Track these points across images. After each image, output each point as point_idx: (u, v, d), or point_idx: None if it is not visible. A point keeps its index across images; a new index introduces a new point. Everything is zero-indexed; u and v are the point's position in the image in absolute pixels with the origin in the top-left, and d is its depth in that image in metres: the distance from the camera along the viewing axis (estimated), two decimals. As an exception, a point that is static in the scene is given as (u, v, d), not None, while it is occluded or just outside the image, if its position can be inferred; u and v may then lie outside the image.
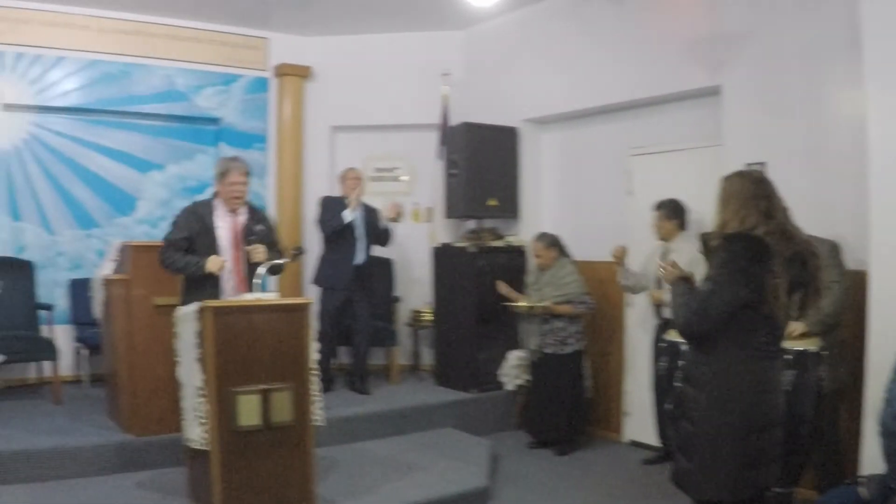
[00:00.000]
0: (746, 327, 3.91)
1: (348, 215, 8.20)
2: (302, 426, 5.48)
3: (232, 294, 6.06)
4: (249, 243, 6.13)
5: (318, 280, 8.50)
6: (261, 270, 5.85)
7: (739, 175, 4.23)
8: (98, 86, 9.17)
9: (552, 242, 7.67)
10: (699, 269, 4.78)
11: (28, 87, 8.85)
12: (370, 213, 8.46)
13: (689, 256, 6.23)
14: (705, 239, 5.58)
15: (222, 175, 6.18)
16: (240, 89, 9.90)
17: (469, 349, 8.56)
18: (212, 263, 5.95)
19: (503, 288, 7.90)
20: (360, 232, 8.34)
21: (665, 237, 6.99)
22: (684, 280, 4.28)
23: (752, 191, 4.05)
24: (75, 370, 8.84)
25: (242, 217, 6.27)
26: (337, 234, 8.25)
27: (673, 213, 6.94)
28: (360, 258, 8.35)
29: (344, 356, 9.19)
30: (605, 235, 8.03)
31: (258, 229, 6.20)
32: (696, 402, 4.04)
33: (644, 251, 7.34)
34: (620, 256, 7.22)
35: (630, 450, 7.77)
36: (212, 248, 6.07)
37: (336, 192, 8.75)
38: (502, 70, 9.27)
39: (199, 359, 5.26)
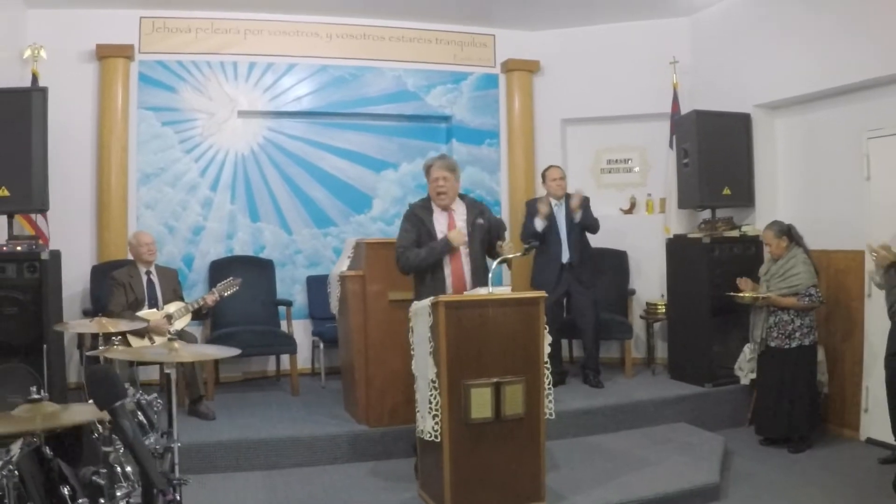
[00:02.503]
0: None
1: (539, 223, 8.14)
2: (533, 419, 5.44)
3: (459, 288, 6.07)
4: (472, 239, 6.13)
5: (533, 281, 8.49)
6: (494, 264, 5.84)
7: None
8: (329, 89, 9.48)
9: (782, 231, 7.34)
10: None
11: (261, 95, 9.27)
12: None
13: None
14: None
15: (426, 173, 6.26)
16: (469, 87, 10.00)
17: (703, 342, 8.35)
18: (454, 236, 6.00)
19: (744, 285, 7.64)
20: (565, 229, 8.28)
21: None
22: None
23: None
24: (311, 363, 9.19)
25: (460, 213, 6.26)
26: (538, 238, 8.16)
27: None
28: (566, 256, 8.28)
29: (579, 349, 9.11)
30: (842, 223, 7.72)
31: (479, 223, 6.20)
32: None
33: (883, 238, 6.91)
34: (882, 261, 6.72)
35: (866, 448, 7.32)
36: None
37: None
38: (731, 55, 8.99)
39: (431, 352, 5.31)
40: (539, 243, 6.48)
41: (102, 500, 3.19)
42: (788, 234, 7.34)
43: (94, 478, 3.19)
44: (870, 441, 7.42)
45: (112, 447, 3.09)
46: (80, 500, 3.25)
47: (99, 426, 3.38)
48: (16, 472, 3.06)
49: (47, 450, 3.31)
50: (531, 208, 8.38)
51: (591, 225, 8.36)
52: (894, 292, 3.92)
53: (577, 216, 8.21)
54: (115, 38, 8.61)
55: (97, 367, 3.19)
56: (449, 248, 5.99)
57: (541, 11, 9.48)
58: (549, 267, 8.26)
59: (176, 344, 4.54)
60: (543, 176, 8.57)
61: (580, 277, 8.32)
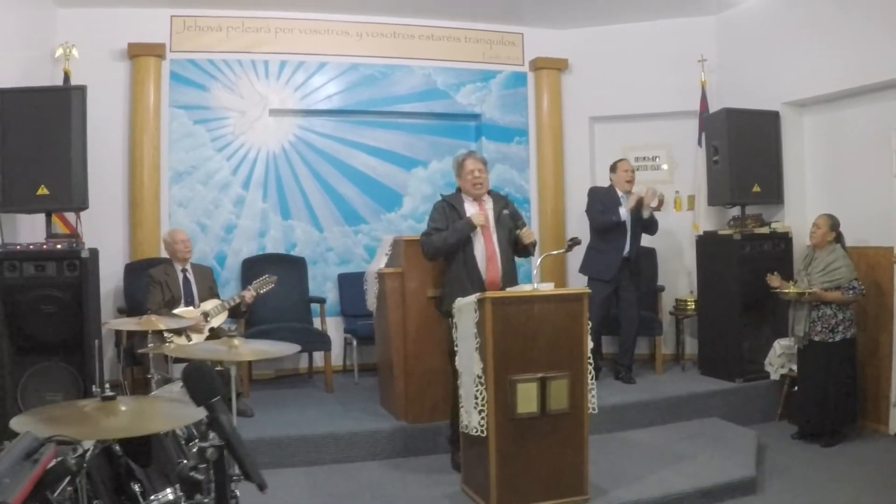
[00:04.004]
0: None
1: (624, 214, 8.24)
2: (577, 414, 5.51)
3: (492, 277, 6.16)
4: (499, 228, 6.25)
5: (587, 270, 8.51)
6: (536, 260, 5.91)
7: None
8: (359, 88, 9.54)
9: (835, 225, 7.39)
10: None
11: (292, 93, 9.33)
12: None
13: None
14: None
15: (460, 167, 6.38)
16: (498, 85, 10.05)
17: (734, 338, 8.39)
18: (475, 217, 6.12)
19: (775, 281, 7.68)
20: (630, 223, 8.33)
21: None
22: None
23: None
24: (343, 360, 9.26)
25: (488, 205, 6.38)
26: (611, 227, 8.26)
27: None
28: (628, 250, 8.34)
29: (608, 345, 9.17)
30: (871, 220, 7.77)
31: (505, 213, 6.32)
32: None
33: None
34: None
35: (895, 442, 7.40)
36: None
37: (602, 182, 8.80)
38: (759, 53, 9.02)
39: (478, 348, 5.37)
40: (580, 241, 6.53)
41: (199, 496, 3.23)
42: (836, 230, 7.40)
43: (192, 473, 3.22)
44: (899, 435, 7.49)
45: (208, 442, 3.12)
46: (167, 490, 3.31)
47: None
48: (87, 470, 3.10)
49: (117, 448, 3.34)
50: (599, 195, 8.50)
51: (654, 224, 8.47)
52: None
53: (647, 213, 8.29)
54: (146, 36, 8.68)
55: (193, 363, 3.22)
56: (470, 227, 6.11)
57: (569, 10, 9.52)
58: (611, 258, 8.30)
59: (236, 341, 4.57)
60: (614, 167, 8.59)
61: (633, 274, 8.42)
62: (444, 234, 6.14)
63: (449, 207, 6.29)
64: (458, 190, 6.45)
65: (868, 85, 7.74)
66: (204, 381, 3.13)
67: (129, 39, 8.63)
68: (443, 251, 6.22)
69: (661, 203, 8.33)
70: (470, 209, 6.30)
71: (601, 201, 8.40)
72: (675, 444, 7.06)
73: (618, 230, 8.29)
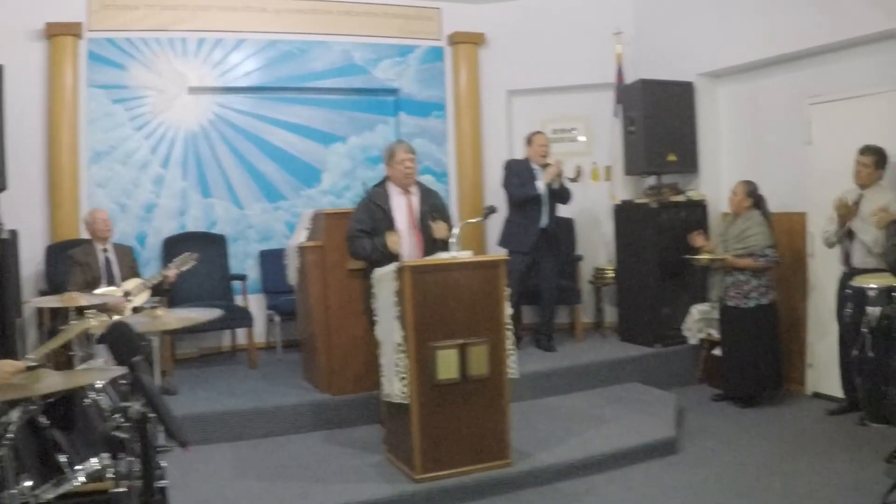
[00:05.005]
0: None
1: (541, 187, 8.30)
2: (498, 379, 5.62)
3: None
4: (424, 224, 6.29)
5: (505, 242, 8.54)
6: (452, 246, 5.95)
7: None
8: (278, 64, 9.50)
9: (752, 192, 7.53)
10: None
11: (211, 71, 9.26)
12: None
13: (883, 205, 6.08)
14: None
15: (390, 156, 6.38)
16: (416, 59, 10.08)
17: (652, 304, 8.56)
18: (390, 241, 6.08)
19: (699, 240, 7.85)
20: (545, 196, 8.39)
21: (865, 183, 6.68)
22: None
23: None
24: (267, 337, 9.25)
25: (415, 197, 6.42)
26: (527, 201, 8.34)
27: (882, 161, 6.65)
28: (545, 221, 8.41)
29: (529, 315, 9.26)
30: (784, 187, 7.95)
31: (430, 213, 6.35)
32: None
33: (825, 201, 7.13)
34: (846, 211, 6.80)
35: (813, 401, 7.60)
36: (391, 230, 6.19)
37: (519, 154, 8.87)
38: (674, 25, 9.16)
39: (398, 317, 5.42)
40: (497, 209, 6.60)
41: (123, 455, 3.25)
42: (755, 196, 7.54)
43: (115, 433, 3.24)
44: (816, 395, 7.69)
45: (131, 402, 3.14)
46: (92, 460, 3.32)
47: (92, 393, 3.45)
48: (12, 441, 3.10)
49: (42, 419, 3.35)
50: (515, 167, 8.53)
51: (566, 194, 8.51)
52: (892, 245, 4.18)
53: (557, 183, 8.34)
54: (63, 16, 8.51)
55: (116, 323, 3.22)
56: (387, 251, 6.05)
57: (485, -16, 9.55)
58: (529, 230, 8.36)
59: (159, 311, 4.58)
60: (529, 140, 8.61)
61: (551, 244, 8.48)
62: (366, 247, 6.12)
63: (374, 206, 6.27)
64: (386, 178, 6.45)
65: (782, 55, 7.92)
66: (125, 339, 3.15)
67: (47, 19, 8.47)
68: (363, 260, 6.27)
69: (578, 173, 8.43)
70: (399, 205, 6.32)
71: (517, 174, 8.45)
72: (596, 408, 7.20)
73: (534, 202, 8.35)
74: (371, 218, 6.22)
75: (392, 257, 5.98)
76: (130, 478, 3.24)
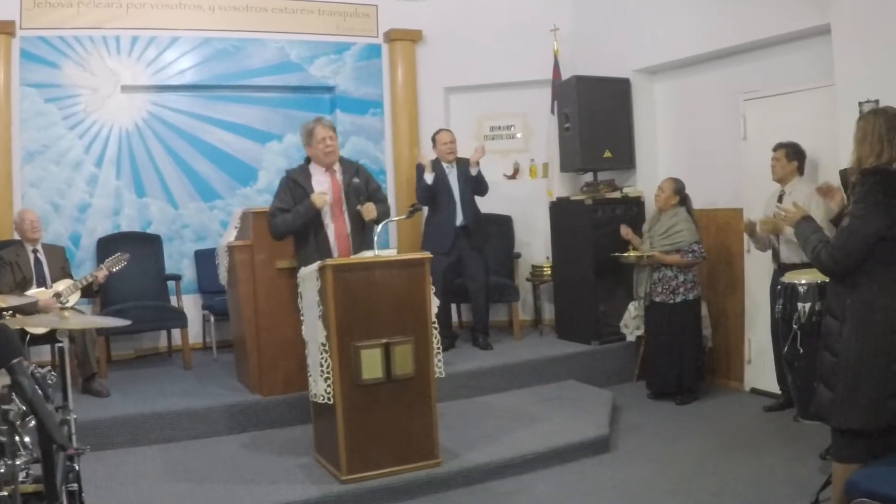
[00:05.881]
0: (885, 260, 4.00)
1: (428, 178, 8.28)
2: (423, 378, 5.59)
3: (342, 250, 6.19)
4: (349, 199, 6.25)
5: (425, 245, 8.47)
6: (379, 227, 5.94)
7: (874, 113, 4.30)
8: (213, 62, 9.42)
9: (678, 190, 7.60)
10: (815, 213, 4.81)
11: (144, 69, 9.15)
12: (464, 168, 8.47)
13: (804, 200, 6.12)
14: (843, 175, 5.55)
15: (309, 136, 6.29)
16: (352, 57, 10.03)
17: (589, 301, 8.56)
18: (316, 198, 6.05)
19: (624, 230, 7.90)
20: (458, 192, 8.39)
21: (782, 179, 6.80)
22: (808, 219, 4.37)
23: (886, 127, 4.12)
24: (203, 337, 9.17)
25: (338, 175, 6.35)
26: (433, 198, 8.32)
27: (794, 154, 6.76)
28: (461, 218, 8.38)
29: (467, 314, 9.22)
30: (721, 182, 8.04)
31: (355, 182, 6.29)
32: (838, 333, 4.14)
33: (760, 196, 7.23)
34: (751, 230, 7.04)
35: (751, 398, 7.65)
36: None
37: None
38: (610, 22, 9.18)
39: (321, 316, 5.40)
40: (423, 206, 6.57)
41: (4, 459, 3.18)
42: (681, 193, 7.60)
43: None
44: (754, 391, 7.77)
45: (11, 405, 3.07)
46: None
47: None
48: None
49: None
50: (420, 170, 8.47)
51: (483, 184, 8.48)
52: (812, 239, 4.20)
53: (475, 170, 8.34)
54: (-5, 14, 8.39)
55: (-6, 324, 3.16)
56: (312, 209, 6.05)
57: (421, -20, 9.52)
58: (443, 230, 8.35)
59: (66, 313, 4.52)
60: (434, 140, 8.64)
61: (473, 241, 8.44)
62: (287, 217, 6.09)
63: (294, 184, 6.22)
64: (307, 160, 6.39)
65: (717, 50, 7.98)
66: (3, 342, 3.08)
67: (-21, 18, 8.34)
68: (288, 233, 6.19)
69: (516, 170, 8.41)
70: (321, 180, 6.26)
71: (419, 174, 8.47)
72: (531, 406, 7.20)
73: (446, 201, 8.35)
74: (291, 196, 6.17)
75: (316, 237, 6.04)
76: (14, 482, 3.17)
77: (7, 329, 3.16)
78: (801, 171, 6.81)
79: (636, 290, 7.82)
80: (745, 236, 7.57)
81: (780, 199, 6.65)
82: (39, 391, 3.19)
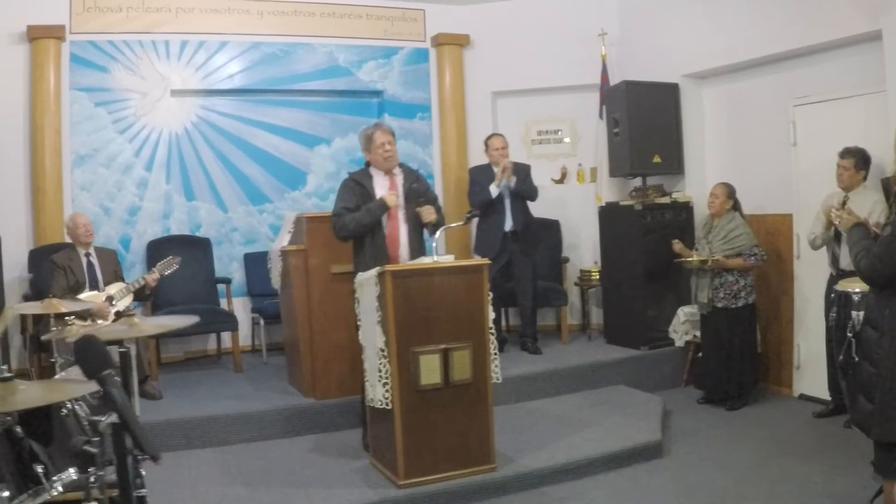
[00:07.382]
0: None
1: (494, 190, 8.29)
2: (481, 384, 5.59)
3: (399, 254, 6.17)
4: (409, 202, 6.23)
5: (475, 250, 8.61)
6: (437, 234, 5.95)
7: None
8: (261, 67, 9.47)
9: (731, 194, 7.56)
10: (877, 220, 4.74)
11: (194, 73, 9.22)
12: (518, 174, 8.44)
13: (869, 207, 6.06)
14: (885, 184, 5.48)
15: (369, 141, 6.27)
16: (400, 61, 10.06)
17: (638, 306, 8.54)
18: (388, 197, 6.06)
19: (677, 246, 7.83)
20: (506, 198, 8.40)
21: (848, 186, 6.58)
22: (860, 226, 4.28)
23: None
24: (251, 340, 9.24)
25: (399, 178, 6.34)
26: (487, 205, 8.29)
27: (863, 164, 6.61)
28: (510, 224, 8.40)
29: (514, 318, 9.21)
30: (770, 188, 7.98)
31: (415, 187, 6.28)
32: (878, 344, 4.01)
33: (809, 202, 7.21)
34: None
35: (800, 404, 7.59)
36: None
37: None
38: (659, 26, 9.16)
39: (380, 321, 5.41)
40: (479, 213, 6.58)
41: (93, 469, 3.22)
42: (734, 197, 7.56)
43: (85, 447, 3.21)
44: (803, 397, 7.69)
45: (103, 416, 3.11)
46: (70, 471, 3.29)
47: (68, 403, 3.41)
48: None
49: (18, 429, 3.32)
50: (476, 175, 8.52)
51: (528, 192, 8.48)
52: (857, 246, 4.15)
53: (512, 182, 8.32)
54: (45, 18, 8.45)
55: (85, 336, 3.18)
56: (384, 208, 6.06)
57: (470, -15, 9.53)
58: (492, 235, 8.37)
59: (135, 318, 4.55)
60: (486, 144, 8.65)
61: (522, 246, 8.43)
62: (356, 216, 6.05)
63: (357, 185, 6.21)
64: (367, 164, 6.38)
65: (766, 56, 7.90)
66: (94, 353, 3.11)
67: (29, 22, 8.40)
68: (356, 233, 6.13)
69: (563, 175, 8.40)
70: (380, 184, 6.24)
71: (477, 181, 8.48)
72: (581, 411, 7.18)
73: (495, 207, 8.35)
74: (354, 196, 6.15)
75: (375, 242, 6.06)
76: (103, 489, 3.21)
77: (97, 341, 3.18)
78: (865, 178, 6.68)
79: (697, 295, 7.71)
80: (795, 241, 7.60)
81: (843, 205, 6.57)
82: (129, 401, 3.21)
